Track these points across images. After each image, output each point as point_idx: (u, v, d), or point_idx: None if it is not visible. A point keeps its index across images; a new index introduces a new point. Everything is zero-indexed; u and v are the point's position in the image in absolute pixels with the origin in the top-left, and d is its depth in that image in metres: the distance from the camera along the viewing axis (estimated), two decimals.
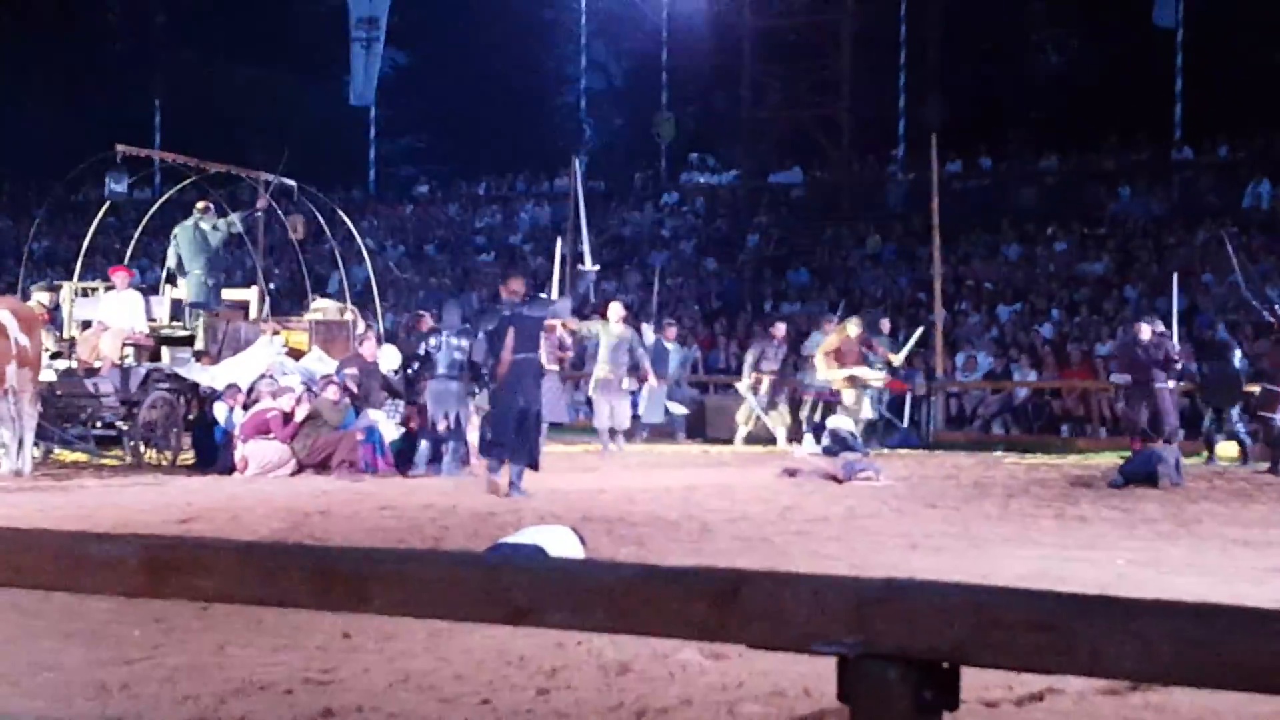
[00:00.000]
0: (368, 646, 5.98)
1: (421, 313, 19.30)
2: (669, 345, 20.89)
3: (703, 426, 21.53)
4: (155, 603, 5.76)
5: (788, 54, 33.45)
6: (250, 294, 18.35)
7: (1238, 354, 17.30)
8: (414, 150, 45.11)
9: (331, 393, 15.07)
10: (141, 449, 15.27)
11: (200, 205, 17.74)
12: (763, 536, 9.97)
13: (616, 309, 19.34)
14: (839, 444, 16.83)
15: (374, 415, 15.47)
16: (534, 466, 12.89)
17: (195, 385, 15.98)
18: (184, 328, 17.20)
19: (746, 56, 33.57)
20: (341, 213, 21.76)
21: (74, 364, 16.00)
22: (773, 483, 14.23)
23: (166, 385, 15.77)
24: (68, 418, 15.33)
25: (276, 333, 17.13)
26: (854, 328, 19.06)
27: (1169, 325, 17.52)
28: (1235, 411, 16.91)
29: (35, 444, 14.42)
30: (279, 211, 19.36)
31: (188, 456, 15.64)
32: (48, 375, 15.28)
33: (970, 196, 31.15)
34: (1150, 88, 32.47)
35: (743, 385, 20.22)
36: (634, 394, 19.20)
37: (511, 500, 12.14)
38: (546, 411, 14.43)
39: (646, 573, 2.51)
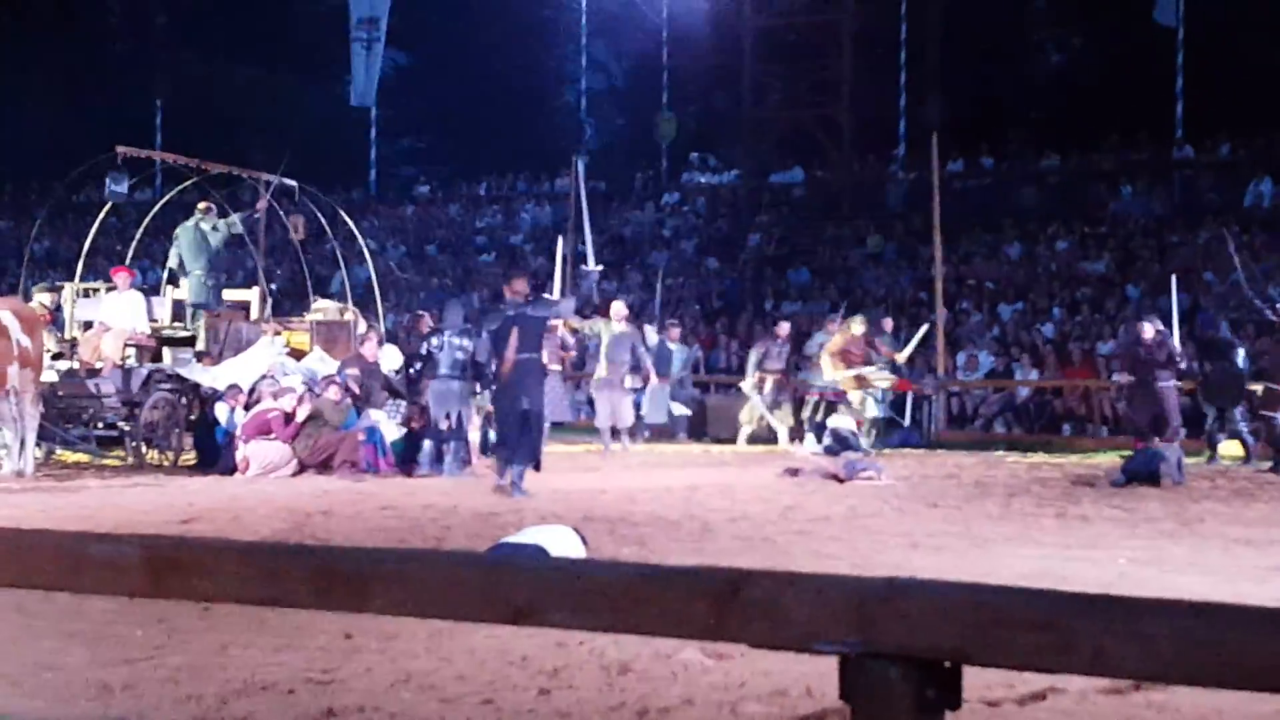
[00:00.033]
0: (369, 646, 5.98)
1: (421, 313, 19.29)
2: (672, 346, 20.89)
3: (704, 426, 21.52)
4: (157, 603, 5.77)
5: (788, 54, 33.42)
6: (251, 294, 18.36)
7: (1241, 353, 17.28)
8: (415, 150, 45.13)
9: (333, 393, 15.07)
10: (143, 449, 15.27)
11: (201, 206, 17.75)
12: (764, 536, 9.97)
13: (619, 308, 19.33)
14: (840, 443, 16.83)
15: (375, 415, 15.48)
16: (536, 467, 12.89)
17: (197, 386, 15.98)
18: (185, 328, 17.21)
19: (747, 56, 33.54)
20: (343, 213, 21.77)
21: (76, 365, 16.01)
22: (774, 482, 14.22)
23: (168, 386, 15.77)
24: (69, 418, 15.34)
25: (278, 333, 17.14)
26: (858, 326, 19.06)
27: (1169, 324, 17.50)
28: (1238, 411, 16.90)
29: (37, 445, 14.43)
30: (280, 212, 19.36)
31: (189, 457, 15.65)
32: (49, 376, 15.29)
33: (971, 196, 31.13)
34: (1151, 86, 32.45)
35: (747, 384, 20.21)
36: (637, 393, 19.18)
37: (513, 500, 12.14)
38: (549, 411, 14.44)
39: (648, 572, 2.51)
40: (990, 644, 2.19)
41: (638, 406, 19.33)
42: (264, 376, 15.70)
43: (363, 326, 17.97)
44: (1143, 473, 13.90)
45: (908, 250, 29.32)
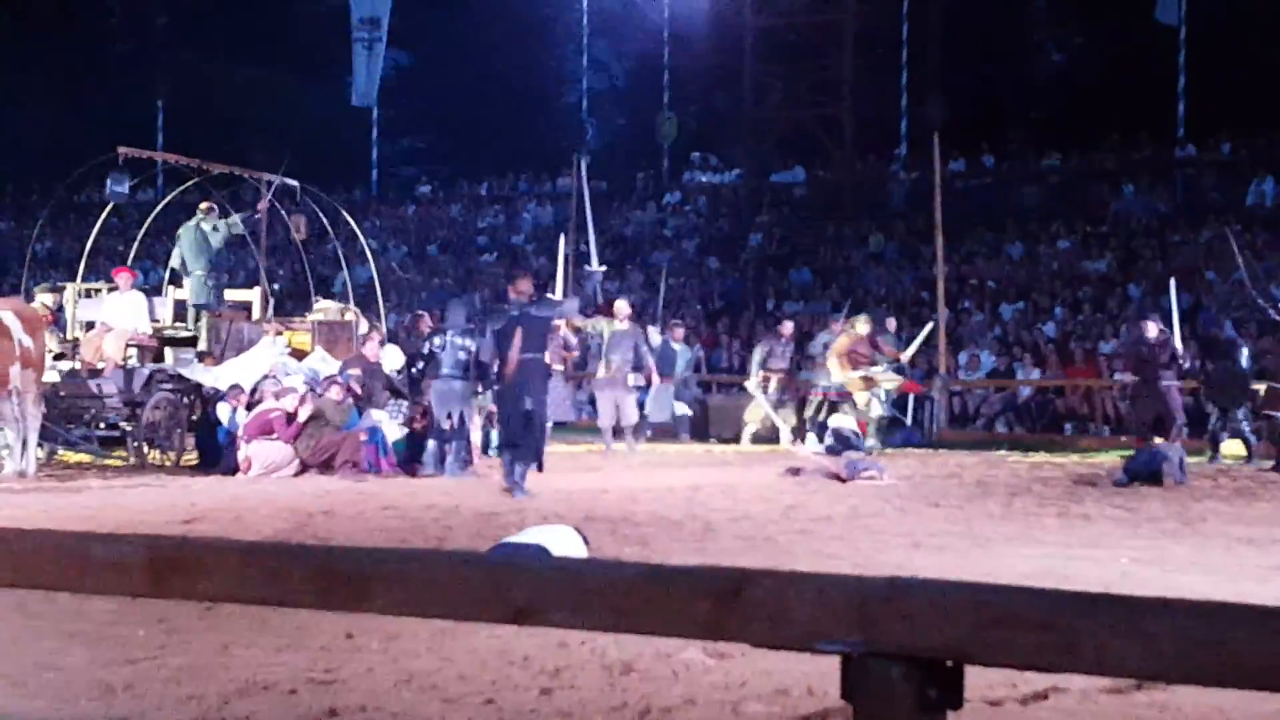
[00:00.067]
0: (371, 646, 5.98)
1: (421, 313, 19.31)
2: (676, 345, 20.88)
3: (705, 426, 21.51)
4: (159, 603, 5.78)
5: (789, 53, 33.42)
6: (253, 294, 18.37)
7: (1244, 353, 17.27)
8: (416, 150, 45.14)
9: (335, 393, 15.07)
10: (145, 450, 15.28)
11: (203, 206, 17.76)
12: (766, 536, 9.97)
13: (622, 306, 19.32)
14: (842, 443, 16.80)
15: (377, 416, 15.48)
16: (539, 467, 12.89)
17: (198, 386, 15.98)
18: (187, 329, 17.22)
19: (748, 56, 33.55)
20: (345, 213, 21.78)
21: (78, 365, 16.02)
22: (776, 482, 14.22)
23: (170, 386, 15.78)
24: (71, 419, 15.34)
25: (280, 333, 17.14)
26: (863, 326, 19.04)
27: (1169, 324, 17.48)
28: (1241, 410, 16.89)
29: (39, 445, 14.43)
30: (282, 212, 19.37)
31: (191, 457, 15.65)
32: (51, 376, 15.30)
33: (973, 195, 31.14)
34: (1153, 85, 32.45)
35: (751, 384, 20.20)
36: (641, 391, 19.15)
37: (515, 500, 12.14)
38: (551, 410, 14.43)
39: (650, 572, 2.51)
40: (992, 643, 2.19)
41: (641, 406, 19.32)
42: (266, 376, 15.70)
43: (364, 326, 17.97)
44: (1145, 472, 13.89)
45: (909, 250, 29.32)
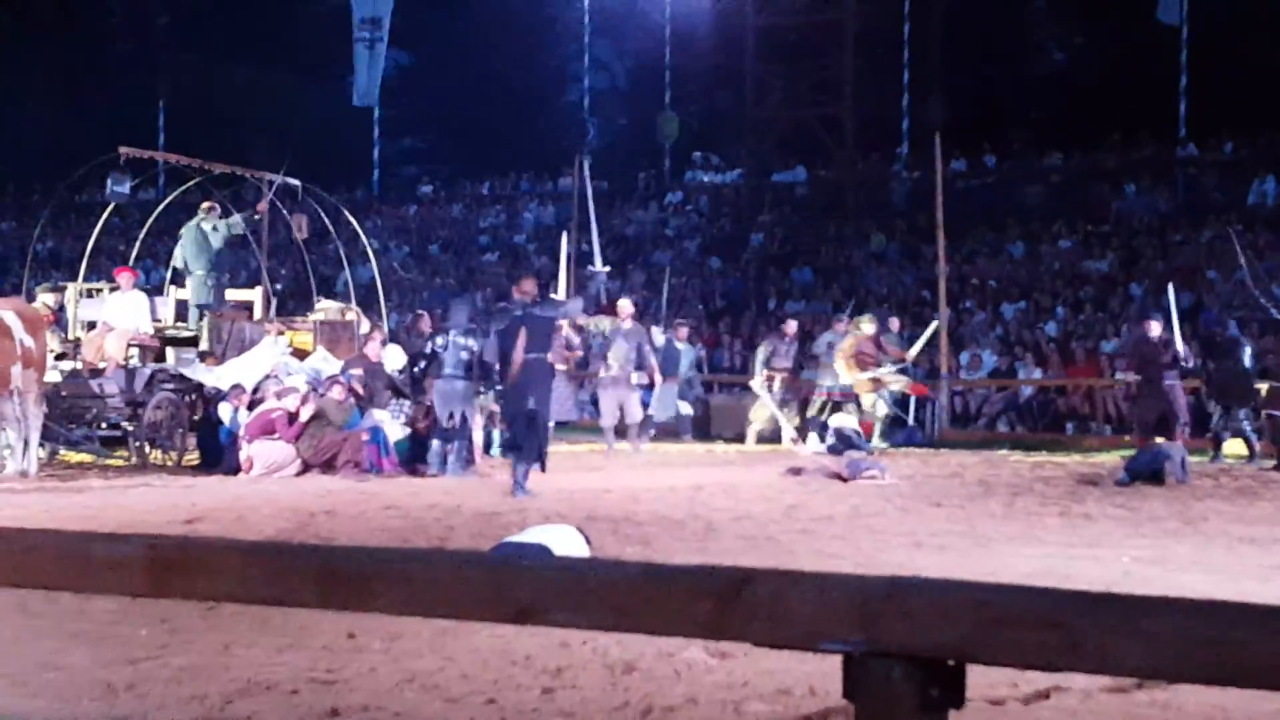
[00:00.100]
0: (373, 646, 5.98)
1: (420, 312, 19.30)
2: (680, 345, 20.87)
3: (707, 426, 21.51)
4: (160, 603, 5.78)
5: (790, 53, 33.41)
6: (255, 294, 18.37)
7: (1247, 352, 17.25)
8: (417, 150, 45.15)
9: (336, 393, 15.08)
10: (147, 449, 15.28)
11: (205, 206, 17.77)
12: (768, 535, 9.97)
13: (625, 306, 19.31)
14: (844, 443, 16.81)
15: (379, 415, 15.48)
16: (541, 467, 12.89)
17: (200, 386, 15.99)
18: (189, 328, 17.22)
19: (749, 55, 33.55)
20: (347, 213, 21.78)
21: (79, 365, 16.03)
22: (777, 481, 14.21)
23: (171, 386, 15.78)
24: (73, 418, 15.35)
25: (281, 333, 17.14)
26: (869, 326, 19.03)
27: (1168, 325, 17.45)
28: (1243, 409, 16.89)
29: (41, 445, 14.44)
30: (284, 211, 19.37)
31: (193, 457, 15.65)
32: (53, 376, 15.30)
33: (974, 195, 31.14)
34: (1155, 85, 32.45)
35: (756, 383, 20.18)
36: (645, 390, 19.13)
37: (517, 500, 12.14)
38: (553, 410, 14.43)
39: (651, 571, 2.51)
40: (994, 643, 2.19)
41: (646, 405, 19.30)
42: (268, 376, 15.70)
43: (366, 326, 17.97)
44: (1146, 471, 13.89)
45: (911, 249, 29.32)
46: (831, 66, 32.80)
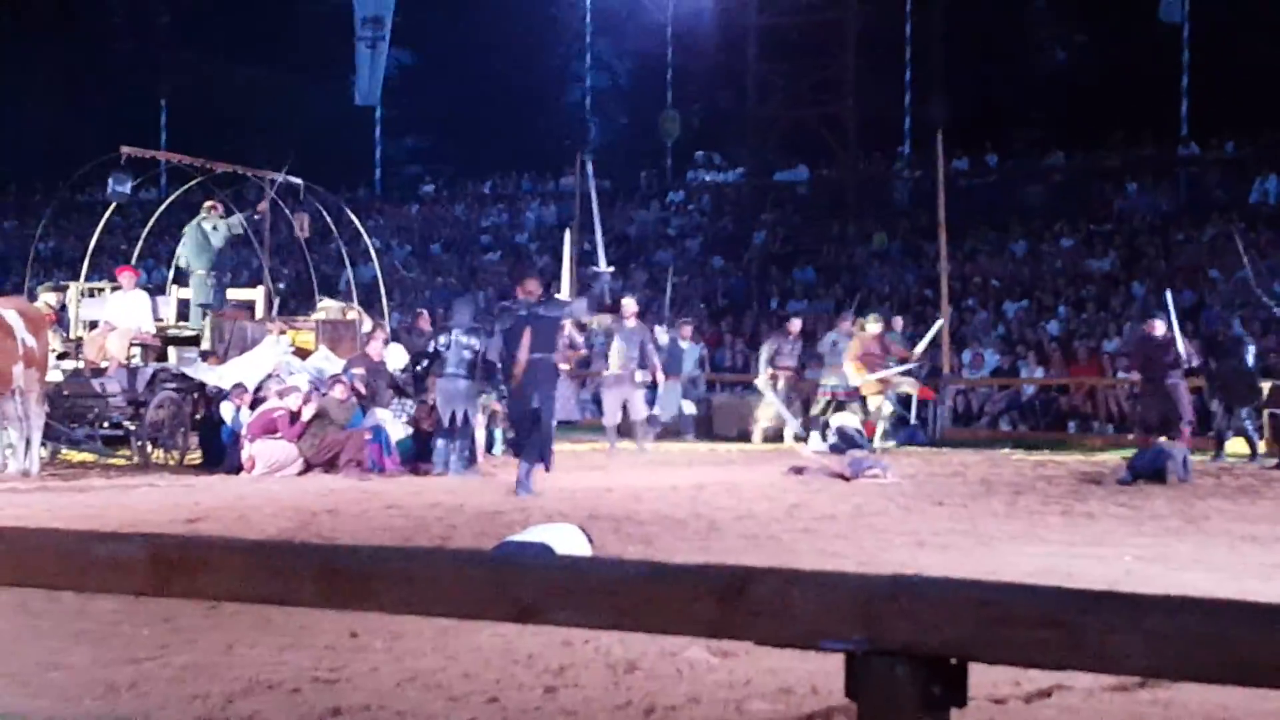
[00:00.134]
0: (375, 645, 5.98)
1: (420, 310, 19.28)
2: (684, 344, 20.87)
3: (709, 425, 21.51)
4: (163, 602, 5.78)
5: (792, 52, 33.42)
6: (257, 293, 18.37)
7: (1251, 351, 17.24)
8: (419, 150, 45.18)
9: (338, 391, 15.08)
10: (149, 449, 15.28)
11: (207, 204, 17.78)
12: (770, 534, 9.97)
13: (629, 305, 19.30)
14: (846, 441, 16.80)
15: (381, 415, 15.48)
16: (546, 467, 12.89)
17: (202, 385, 15.99)
18: (191, 327, 17.22)
19: (751, 54, 33.54)
20: (349, 212, 21.78)
21: (81, 364, 16.03)
22: (780, 481, 14.21)
23: (173, 385, 15.78)
24: (75, 418, 15.35)
25: (283, 332, 17.14)
26: (874, 325, 19.03)
27: (1169, 325, 17.43)
28: (1245, 408, 16.88)
29: (43, 444, 14.44)
30: (285, 210, 19.38)
31: (195, 456, 15.65)
32: (55, 376, 15.31)
33: (976, 193, 31.14)
34: (1156, 84, 32.44)
35: (761, 381, 20.17)
36: (650, 388, 19.11)
37: (519, 499, 12.13)
38: (557, 409, 14.42)
39: (654, 571, 2.51)
40: (996, 641, 2.19)
41: (650, 404, 19.29)
42: (270, 375, 15.70)
43: (368, 325, 17.97)
44: (1149, 470, 13.88)
45: (913, 248, 29.32)
46: (833, 65, 32.80)
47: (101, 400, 15.44)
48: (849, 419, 17.68)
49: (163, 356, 16.62)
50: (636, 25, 39.92)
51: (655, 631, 2.51)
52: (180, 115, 40.27)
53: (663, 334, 20.27)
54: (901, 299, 26.50)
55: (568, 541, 7.79)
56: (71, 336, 16.79)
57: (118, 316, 16.32)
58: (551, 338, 13.13)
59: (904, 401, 20.62)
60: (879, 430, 18.66)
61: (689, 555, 8.68)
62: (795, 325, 20.90)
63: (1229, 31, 32.65)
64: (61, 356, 16.07)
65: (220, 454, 15.16)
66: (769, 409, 20.06)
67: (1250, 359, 17.06)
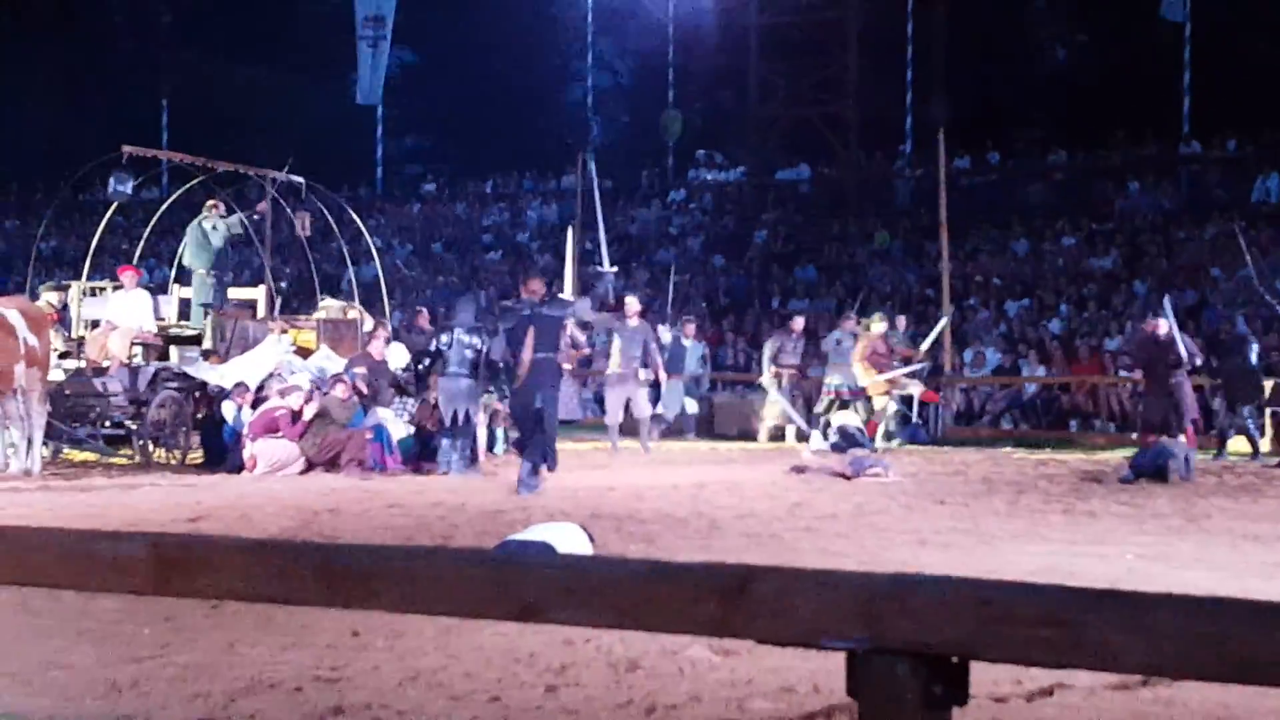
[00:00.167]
0: (377, 644, 5.98)
1: (420, 309, 19.26)
2: (686, 342, 20.86)
3: (710, 424, 21.51)
4: (164, 601, 5.78)
5: (794, 51, 33.43)
6: (258, 293, 18.37)
7: (1254, 349, 17.23)
8: (421, 149, 45.18)
9: (340, 391, 15.08)
10: (150, 448, 15.28)
11: (209, 204, 17.78)
12: (771, 533, 9.97)
13: (631, 303, 19.29)
14: (847, 440, 16.80)
15: (382, 414, 15.48)
16: (549, 466, 12.89)
17: (204, 384, 15.99)
18: (192, 327, 17.22)
19: (753, 54, 33.56)
20: (350, 211, 21.77)
21: (83, 363, 16.03)
22: (781, 479, 14.21)
23: (175, 384, 15.78)
24: (77, 417, 15.36)
25: (284, 331, 17.14)
26: (879, 325, 19.03)
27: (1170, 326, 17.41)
28: (1247, 406, 16.88)
29: (44, 443, 14.45)
30: (287, 209, 19.38)
31: (196, 455, 15.65)
32: (56, 375, 15.31)
33: (978, 192, 31.14)
34: (1158, 82, 32.42)
35: (765, 379, 20.17)
36: (653, 387, 19.10)
37: (520, 498, 12.14)
38: (560, 409, 14.42)
39: (655, 569, 2.51)
40: (997, 640, 2.18)
41: (654, 403, 19.27)
42: (271, 374, 15.71)
43: (370, 324, 17.96)
44: (1150, 469, 13.89)
45: (914, 247, 29.32)
46: (835, 65, 32.82)
47: (103, 399, 15.44)
48: (850, 418, 17.68)
49: (164, 356, 16.63)
50: (638, 24, 39.94)
51: (657, 630, 2.51)
52: (181, 115, 40.27)
53: (666, 332, 20.26)
54: (903, 297, 26.50)
55: (569, 540, 7.79)
56: (73, 336, 16.79)
57: (119, 316, 16.32)
58: (554, 337, 13.14)
59: (906, 400, 20.63)
60: (881, 429, 18.66)
61: (690, 554, 8.68)
62: (797, 324, 20.90)
63: (1231, 30, 32.64)
64: (63, 356, 16.08)
65: (222, 453, 15.16)
66: (774, 407, 20.05)
67: (1254, 357, 17.06)
